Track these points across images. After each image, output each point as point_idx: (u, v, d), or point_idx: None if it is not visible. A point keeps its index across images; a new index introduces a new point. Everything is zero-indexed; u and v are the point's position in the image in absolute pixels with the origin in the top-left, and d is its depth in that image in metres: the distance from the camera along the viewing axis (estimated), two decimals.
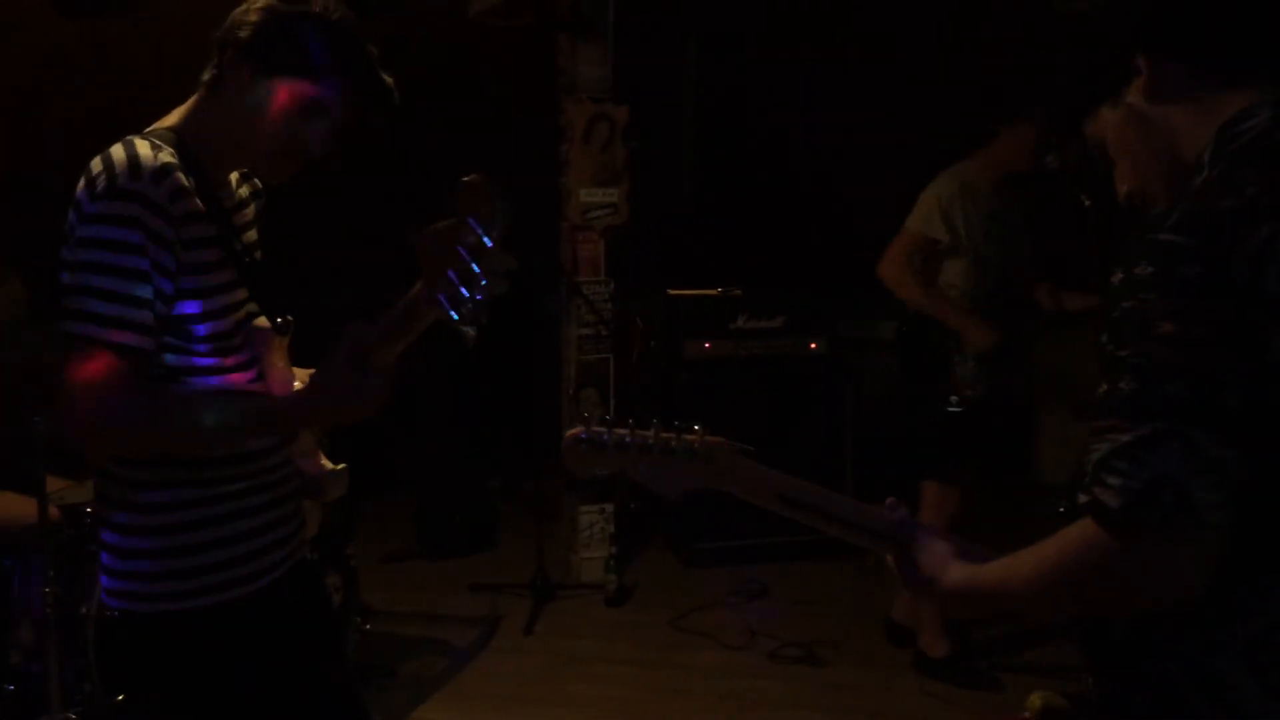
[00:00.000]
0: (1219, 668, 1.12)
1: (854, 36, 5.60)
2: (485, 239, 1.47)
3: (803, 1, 5.74)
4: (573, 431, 1.45)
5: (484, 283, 1.47)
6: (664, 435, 1.44)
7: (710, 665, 4.12)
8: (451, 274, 1.48)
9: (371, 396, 1.63)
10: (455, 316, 1.50)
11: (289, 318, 1.85)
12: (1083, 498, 1.10)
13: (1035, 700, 3.50)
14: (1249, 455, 1.06)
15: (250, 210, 1.90)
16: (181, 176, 1.65)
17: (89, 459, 1.73)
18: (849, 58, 5.68)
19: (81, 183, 1.63)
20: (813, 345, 5.32)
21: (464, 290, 1.48)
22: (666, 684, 3.98)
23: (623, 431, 1.44)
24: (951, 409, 3.85)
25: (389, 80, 1.78)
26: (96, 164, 1.63)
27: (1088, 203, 3.65)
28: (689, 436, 1.44)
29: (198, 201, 1.67)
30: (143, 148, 1.64)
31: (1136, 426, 1.06)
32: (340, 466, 2.02)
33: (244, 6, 1.72)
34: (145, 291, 1.59)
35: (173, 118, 1.76)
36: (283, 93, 1.70)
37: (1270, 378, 1.06)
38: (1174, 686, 1.14)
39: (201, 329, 1.69)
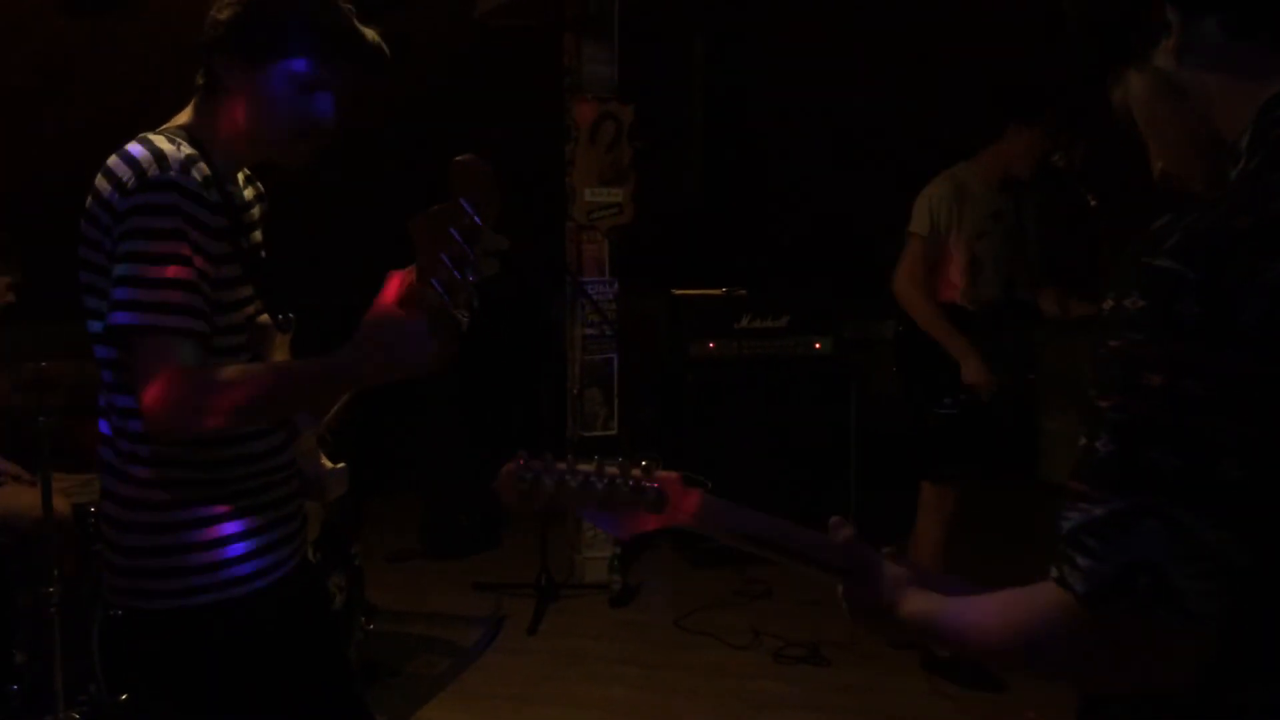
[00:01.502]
0: None
1: (861, 35, 5.59)
2: (477, 219, 1.48)
3: (809, 0, 5.73)
4: (509, 465, 1.30)
5: (476, 263, 1.48)
6: (609, 471, 1.28)
7: (714, 665, 4.11)
8: (445, 257, 1.48)
9: (426, 339, 1.57)
10: (448, 299, 1.50)
11: (291, 316, 1.85)
12: (1053, 572, 0.94)
13: None
14: (1250, 535, 0.87)
15: (255, 211, 1.90)
16: (205, 166, 1.67)
17: (168, 448, 1.70)
18: (855, 57, 5.68)
19: (106, 184, 1.64)
20: (817, 345, 5.32)
21: (457, 273, 1.48)
22: (670, 684, 3.97)
23: (563, 467, 1.28)
24: (945, 410, 3.86)
25: (372, 35, 1.77)
26: (118, 164, 1.64)
27: (1094, 202, 3.64)
28: (637, 472, 1.27)
29: (216, 193, 1.69)
30: (161, 142, 1.66)
31: (1111, 498, 0.89)
32: (340, 466, 2.02)
33: (215, 6, 1.73)
34: (191, 274, 1.60)
35: (182, 118, 1.78)
36: (276, 77, 1.71)
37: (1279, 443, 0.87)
38: None
39: (215, 322, 1.69)
